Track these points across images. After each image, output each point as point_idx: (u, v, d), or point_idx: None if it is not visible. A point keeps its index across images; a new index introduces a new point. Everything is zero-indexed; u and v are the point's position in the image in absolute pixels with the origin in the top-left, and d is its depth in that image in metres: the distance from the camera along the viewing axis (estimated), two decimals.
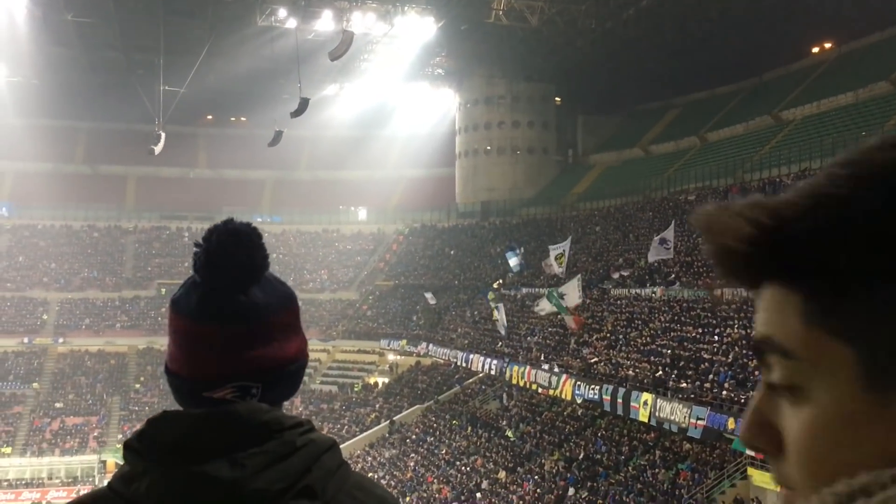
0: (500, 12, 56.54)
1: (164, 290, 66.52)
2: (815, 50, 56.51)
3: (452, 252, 65.97)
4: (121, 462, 1.41)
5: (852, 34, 52.23)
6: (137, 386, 58.33)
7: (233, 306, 1.41)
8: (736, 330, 31.79)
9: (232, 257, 1.40)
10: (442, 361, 52.35)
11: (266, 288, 1.46)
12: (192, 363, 1.45)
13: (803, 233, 0.62)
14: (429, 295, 57.45)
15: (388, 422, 48.12)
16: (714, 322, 33.43)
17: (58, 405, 55.35)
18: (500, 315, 43.24)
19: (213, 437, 1.33)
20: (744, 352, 29.37)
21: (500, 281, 54.65)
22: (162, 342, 61.45)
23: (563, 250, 42.14)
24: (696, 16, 52.93)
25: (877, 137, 0.68)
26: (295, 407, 56.77)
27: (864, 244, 0.60)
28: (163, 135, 53.50)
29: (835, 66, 52.54)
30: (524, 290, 50.77)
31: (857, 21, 50.17)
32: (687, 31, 54.87)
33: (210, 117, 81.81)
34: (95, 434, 53.08)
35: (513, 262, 49.61)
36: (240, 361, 1.43)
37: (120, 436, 53.20)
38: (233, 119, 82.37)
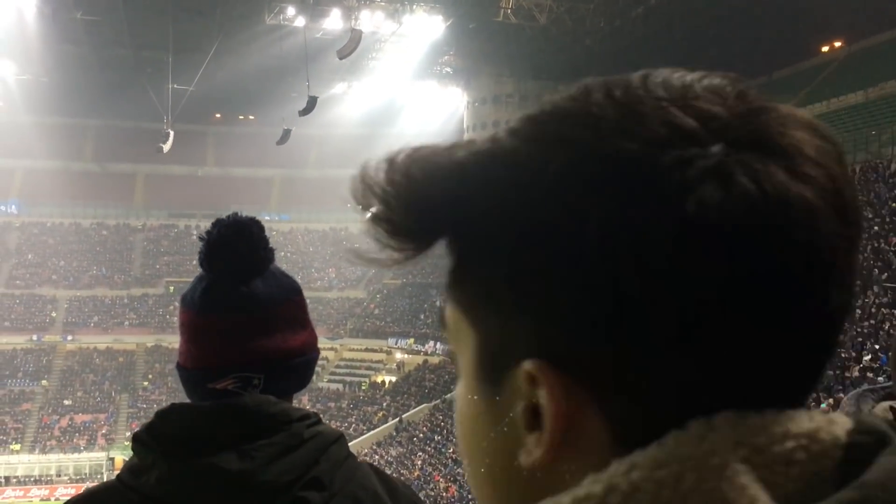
0: (509, 10, 56.46)
1: (172, 287, 66.68)
2: (825, 49, 56.31)
3: None
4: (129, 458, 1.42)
5: (862, 33, 52.02)
6: (146, 384, 58.50)
7: (234, 296, 1.44)
8: None
9: (232, 248, 1.43)
10: (449, 360, 52.30)
11: (269, 280, 1.48)
12: (196, 354, 1.47)
13: (440, 191, 0.57)
14: (440, 300, 57.34)
15: (395, 420, 48.14)
16: None
17: (66, 402, 55.54)
18: None
19: (221, 430, 1.35)
20: None
21: None
22: (170, 340, 61.61)
23: None
24: (704, 14, 52.81)
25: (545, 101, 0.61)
26: (303, 405, 56.81)
27: (479, 216, 0.55)
28: (171, 133, 53.60)
29: (844, 65, 52.35)
30: None
31: (867, 20, 49.97)
32: (696, 29, 54.75)
33: (218, 115, 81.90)
34: (104, 431, 53.25)
35: None
36: (240, 351, 1.44)
37: (128, 433, 53.31)
38: (241, 117, 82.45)
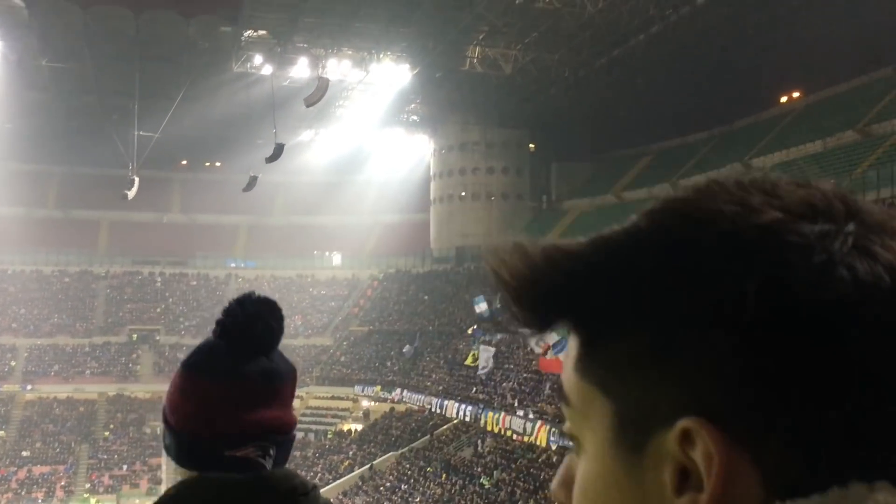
0: (475, 60, 57.26)
1: (135, 335, 65.81)
2: (784, 99, 57.59)
3: (427, 298, 65.86)
4: None
5: (819, 84, 53.32)
6: (107, 434, 57.36)
7: (258, 367, 1.49)
8: None
9: (264, 323, 1.48)
10: (416, 408, 51.99)
11: (279, 357, 1.55)
12: (216, 422, 1.50)
13: (564, 276, 0.60)
14: (407, 349, 57.26)
15: (363, 468, 47.58)
16: None
17: (24, 454, 54.25)
18: (482, 356, 43.00)
19: (254, 501, 1.40)
20: None
21: (475, 326, 54.58)
22: (132, 389, 60.68)
23: None
24: (666, 65, 53.92)
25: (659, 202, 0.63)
26: None
27: (612, 294, 0.58)
28: (136, 179, 53.36)
29: (803, 115, 53.52)
30: (498, 336, 50.67)
31: (824, 72, 51.25)
32: (658, 80, 55.83)
33: (184, 162, 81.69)
34: (63, 483, 52.03)
35: (480, 307, 49.76)
36: (262, 420, 1.48)
37: (88, 485, 52.23)
38: (207, 164, 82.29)
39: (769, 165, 50.00)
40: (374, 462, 47.90)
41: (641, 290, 0.57)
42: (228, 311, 1.55)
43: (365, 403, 58.94)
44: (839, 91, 51.65)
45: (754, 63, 52.28)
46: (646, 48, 51.86)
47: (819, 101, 53.18)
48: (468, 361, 45.02)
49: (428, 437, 48.63)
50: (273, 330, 1.52)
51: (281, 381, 1.52)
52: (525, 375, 42.38)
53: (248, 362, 1.49)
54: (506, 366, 45.36)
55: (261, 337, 1.51)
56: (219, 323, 1.54)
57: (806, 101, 54.95)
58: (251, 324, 1.50)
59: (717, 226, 0.56)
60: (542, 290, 0.61)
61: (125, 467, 54.18)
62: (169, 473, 1.49)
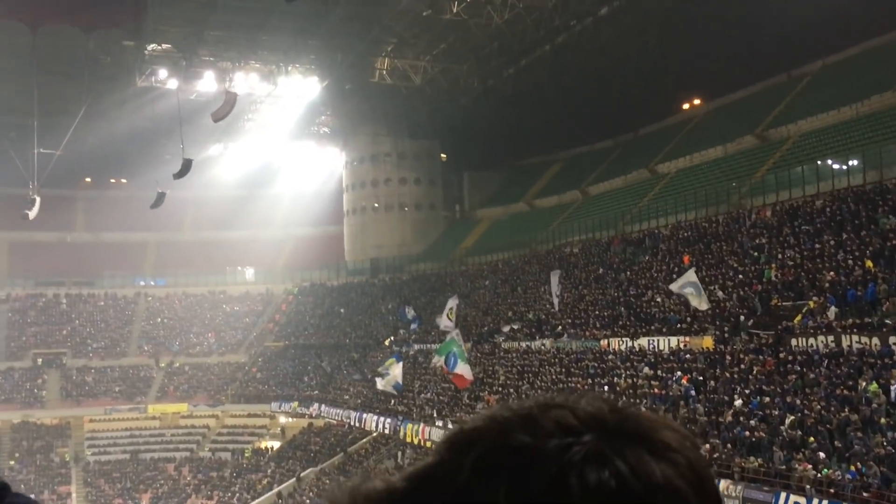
0: (384, 71, 57.31)
1: (40, 360, 63.55)
2: (686, 106, 59.24)
3: (343, 310, 65.44)
4: None
5: (719, 91, 55.05)
6: (12, 462, 55.18)
7: None
8: (623, 379, 32.51)
9: None
10: (335, 422, 51.57)
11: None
12: None
13: None
14: (325, 363, 56.89)
15: (284, 484, 46.94)
16: (601, 372, 34.12)
17: None
18: (392, 373, 42.88)
19: None
20: (632, 401, 29.97)
21: (392, 338, 54.51)
22: (39, 415, 58.59)
23: (452, 306, 42.68)
24: (573, 74, 54.89)
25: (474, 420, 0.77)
26: (183, 476, 54.79)
27: None
28: (37, 199, 51.57)
29: (704, 122, 55.10)
30: (416, 347, 50.73)
31: (724, 79, 52.97)
32: (566, 88, 56.79)
33: (88, 179, 79.48)
34: None
35: (410, 314, 50.33)
36: None
37: None
38: (112, 181, 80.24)
39: (673, 171, 51.40)
40: (303, 473, 47.32)
41: None
42: None
43: (282, 420, 58.19)
44: (738, 98, 53.37)
45: (657, 72, 53.69)
46: (552, 58, 52.76)
47: (719, 107, 54.86)
48: (382, 383, 44.93)
49: (344, 452, 48.29)
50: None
51: None
52: (443, 386, 42.47)
53: None
54: (424, 377, 45.39)
55: None
56: None
57: (707, 108, 56.61)
58: None
59: (479, 448, 0.73)
60: None
61: (33, 496, 52.07)
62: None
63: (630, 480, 0.68)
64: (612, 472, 0.68)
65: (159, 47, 53.03)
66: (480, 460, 0.72)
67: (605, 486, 0.67)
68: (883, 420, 21.59)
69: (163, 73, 53.70)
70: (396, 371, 42.14)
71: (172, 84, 53.58)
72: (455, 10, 46.85)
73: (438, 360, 38.82)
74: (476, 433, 0.74)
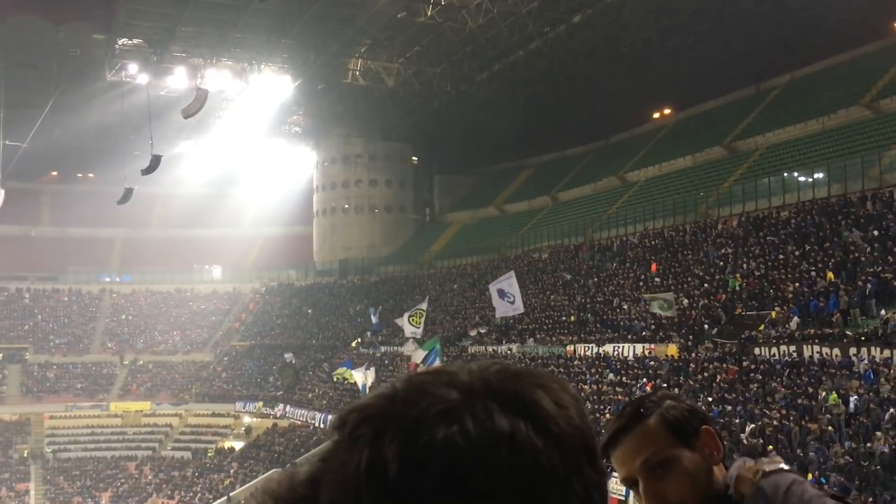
0: (357, 72, 57.25)
1: (2, 355, 62.62)
2: (656, 115, 59.76)
3: (310, 311, 65.19)
4: None
5: (689, 101, 55.62)
6: None
7: None
8: (588, 385, 32.70)
9: None
10: (300, 423, 51.34)
11: None
12: None
13: None
14: (288, 355, 56.57)
15: (245, 486, 46.62)
16: (566, 378, 34.26)
17: None
18: (362, 378, 42.70)
19: None
20: (596, 406, 30.18)
21: (359, 339, 54.38)
22: (5, 410, 57.73)
23: (420, 309, 42.53)
24: (545, 81, 55.18)
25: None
26: (144, 475, 54.24)
27: None
28: (2, 191, 50.88)
29: (674, 131, 55.63)
30: (383, 349, 50.68)
31: (693, 90, 53.52)
32: (537, 95, 57.08)
33: (55, 173, 78.53)
34: None
35: (375, 318, 50.27)
36: None
37: None
38: (79, 175, 79.34)
39: (643, 179, 51.81)
40: (244, 486, 46.99)
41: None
42: None
43: (247, 420, 57.81)
44: (707, 109, 53.95)
45: (629, 80, 54.14)
46: (525, 64, 52.99)
47: (689, 118, 55.41)
48: (352, 380, 44.80)
49: (309, 452, 48.01)
50: None
51: None
52: None
53: None
54: (391, 378, 45.27)
55: None
56: None
57: (676, 118, 57.14)
58: None
59: (366, 426, 0.75)
60: None
61: None
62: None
63: (474, 433, 0.71)
64: (460, 427, 0.71)
65: (130, 42, 52.53)
66: (360, 424, 0.75)
67: (451, 440, 0.70)
68: (840, 430, 21.92)
69: (133, 67, 53.18)
70: (357, 377, 42.19)
71: (143, 79, 53.05)
72: (429, 14, 46.92)
73: (418, 355, 38.74)
74: (368, 408, 0.77)
